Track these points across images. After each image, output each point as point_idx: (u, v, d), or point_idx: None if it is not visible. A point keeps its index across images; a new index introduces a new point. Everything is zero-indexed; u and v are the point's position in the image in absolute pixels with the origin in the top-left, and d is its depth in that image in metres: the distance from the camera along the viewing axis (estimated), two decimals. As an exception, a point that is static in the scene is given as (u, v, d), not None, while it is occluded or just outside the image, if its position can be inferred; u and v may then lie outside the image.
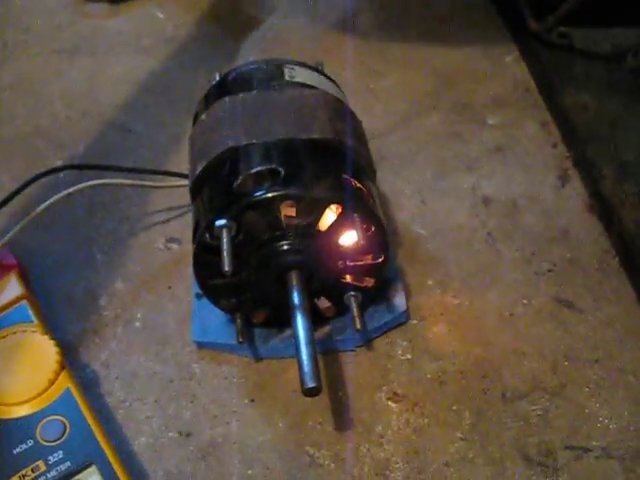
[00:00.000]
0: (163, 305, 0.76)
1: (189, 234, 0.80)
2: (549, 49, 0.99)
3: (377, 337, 0.72)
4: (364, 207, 0.63)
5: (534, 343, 0.72)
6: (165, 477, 0.64)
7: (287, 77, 0.72)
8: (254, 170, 0.62)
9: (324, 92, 0.71)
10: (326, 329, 0.71)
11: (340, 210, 0.62)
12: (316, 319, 0.67)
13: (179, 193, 0.83)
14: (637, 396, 0.68)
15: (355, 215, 0.62)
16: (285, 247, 0.64)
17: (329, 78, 0.76)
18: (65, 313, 0.75)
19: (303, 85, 0.71)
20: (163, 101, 1.00)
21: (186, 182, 0.81)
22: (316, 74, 0.75)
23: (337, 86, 0.76)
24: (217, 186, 0.64)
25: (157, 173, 0.82)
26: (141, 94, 1.00)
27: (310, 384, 0.58)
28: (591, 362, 0.70)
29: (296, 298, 0.63)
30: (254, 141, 0.64)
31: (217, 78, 0.76)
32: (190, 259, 0.76)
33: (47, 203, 0.72)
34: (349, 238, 0.65)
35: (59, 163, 0.89)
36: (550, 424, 0.66)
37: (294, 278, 0.64)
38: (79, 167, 0.78)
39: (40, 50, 1.09)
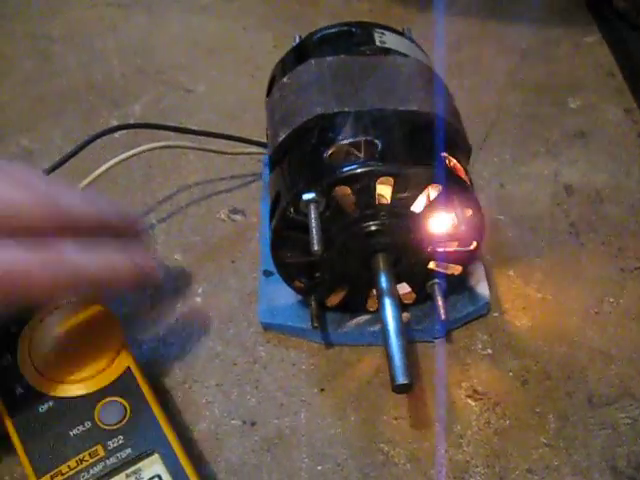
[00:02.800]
0: (226, 280, 0.71)
1: (254, 205, 0.76)
2: (635, 31, 0.93)
3: (456, 329, 0.67)
4: (463, 190, 0.58)
5: (622, 345, 0.67)
6: (227, 468, 0.59)
7: (378, 42, 0.66)
8: (348, 141, 0.57)
9: (418, 61, 0.65)
10: (404, 317, 0.66)
11: (439, 191, 0.57)
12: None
13: (244, 161, 0.78)
14: None
15: (454, 197, 0.57)
16: (374, 228, 0.58)
17: (418, 46, 0.70)
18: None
19: (395, 52, 0.65)
20: (225, 62, 0.94)
21: (254, 149, 0.76)
22: (406, 41, 0.69)
23: (426, 54, 0.71)
24: (304, 156, 0.59)
25: (221, 137, 0.76)
26: (201, 54, 0.95)
27: (402, 380, 0.53)
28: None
29: (384, 283, 0.58)
30: (346, 109, 0.59)
31: (297, 40, 0.71)
32: (255, 233, 0.72)
33: (105, 167, 0.66)
34: (443, 222, 0.59)
35: (114, 122, 0.84)
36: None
37: (382, 262, 0.59)
38: (139, 126, 0.73)
39: (94, 1, 1.03)
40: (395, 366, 0.53)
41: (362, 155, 0.56)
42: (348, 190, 0.56)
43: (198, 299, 0.70)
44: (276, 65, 0.70)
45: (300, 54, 0.68)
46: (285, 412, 0.62)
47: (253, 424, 0.62)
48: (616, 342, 0.67)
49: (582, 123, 0.87)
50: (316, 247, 0.54)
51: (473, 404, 0.63)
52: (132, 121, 0.83)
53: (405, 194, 0.57)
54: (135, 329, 0.67)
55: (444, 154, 0.58)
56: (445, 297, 0.64)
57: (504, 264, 0.73)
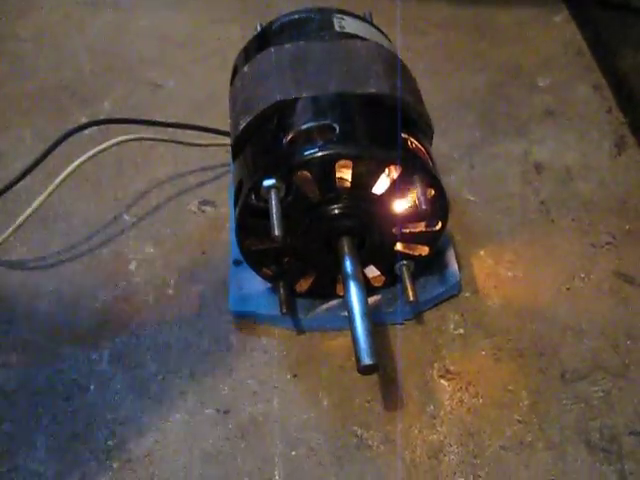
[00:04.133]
0: (197, 272, 0.71)
1: (224, 196, 0.76)
2: (603, 8, 0.93)
3: (427, 310, 0.68)
4: (424, 169, 0.58)
5: (594, 320, 0.67)
6: (203, 457, 0.59)
7: (337, 27, 0.66)
8: (306, 126, 0.57)
9: (377, 44, 0.65)
10: (373, 300, 0.66)
11: (399, 172, 0.57)
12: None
13: (214, 152, 0.78)
14: None
15: (415, 177, 0.57)
16: (337, 211, 0.58)
17: (379, 30, 0.70)
18: (93, 278, 0.70)
19: (355, 36, 0.65)
20: (193, 56, 0.94)
21: (222, 140, 0.76)
22: (367, 25, 0.69)
23: (387, 38, 0.71)
24: (264, 143, 0.59)
25: (191, 128, 0.76)
26: (169, 49, 0.95)
27: (367, 361, 0.53)
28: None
29: (349, 266, 0.58)
30: (304, 94, 0.59)
31: (258, 28, 0.71)
32: (226, 223, 0.72)
33: (76, 163, 0.67)
34: (406, 203, 0.59)
35: (84, 120, 0.84)
36: (613, 407, 0.61)
37: (346, 245, 0.59)
38: (108, 122, 0.72)
39: (61, 1, 1.03)
40: (360, 348, 0.53)
41: (320, 139, 0.56)
42: (308, 175, 0.57)
43: (170, 291, 0.70)
44: (238, 55, 0.71)
45: (261, 42, 0.68)
46: (258, 399, 0.63)
47: (227, 412, 0.62)
48: (587, 317, 0.67)
49: (551, 101, 0.87)
50: (277, 232, 0.54)
51: (446, 384, 0.63)
52: (102, 117, 0.83)
53: (365, 176, 0.57)
54: (109, 322, 0.67)
55: (404, 135, 0.58)
56: (414, 278, 0.65)
57: (475, 244, 0.73)
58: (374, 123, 0.59)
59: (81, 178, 0.76)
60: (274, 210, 0.55)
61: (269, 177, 0.56)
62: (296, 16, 0.69)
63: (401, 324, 0.67)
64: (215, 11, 1.01)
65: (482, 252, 0.72)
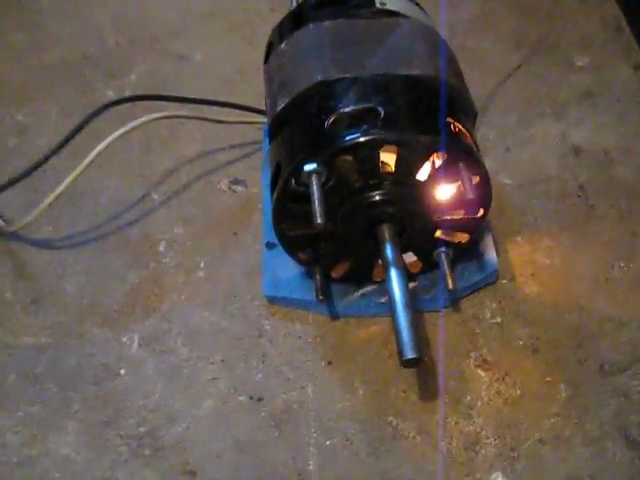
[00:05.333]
0: (228, 253, 0.69)
1: (255, 176, 0.74)
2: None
3: (464, 297, 0.66)
4: (470, 156, 0.56)
5: (633, 311, 0.65)
6: (235, 445, 0.58)
7: (378, 4, 0.64)
8: (349, 109, 0.55)
9: (420, 22, 0.63)
10: (410, 287, 0.64)
11: (444, 159, 0.55)
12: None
13: (244, 130, 0.76)
14: None
15: (461, 164, 0.55)
16: (379, 197, 0.57)
17: (419, 6, 0.68)
18: (122, 258, 0.69)
19: (396, 14, 0.63)
20: (221, 28, 0.92)
21: (253, 117, 0.74)
22: (406, 1, 0.67)
23: (427, 15, 0.68)
24: (305, 125, 0.57)
25: (223, 105, 0.74)
26: (195, 20, 0.92)
27: (410, 354, 0.52)
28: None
29: (390, 254, 0.57)
30: (347, 75, 0.57)
31: (294, 4, 0.68)
32: (258, 204, 0.71)
33: (107, 142, 0.65)
34: (449, 190, 0.58)
35: (110, 94, 0.82)
36: (653, 402, 0.60)
37: (387, 232, 0.58)
38: (137, 99, 0.70)
39: (83, -32, 1.00)
40: (403, 341, 0.52)
41: (364, 123, 0.54)
42: (351, 159, 0.55)
43: (201, 273, 0.68)
44: (273, 31, 0.68)
45: (297, 19, 0.65)
46: (292, 386, 0.61)
47: (260, 399, 0.61)
48: (627, 308, 0.65)
49: (589, 82, 0.85)
50: (319, 220, 0.52)
51: (483, 374, 0.62)
52: (128, 92, 0.81)
53: (409, 162, 0.55)
54: (137, 305, 0.66)
55: (449, 119, 0.56)
56: (452, 265, 0.63)
57: (512, 230, 0.71)
58: (419, 107, 0.57)
59: (108, 155, 0.73)
60: (316, 197, 0.53)
61: (310, 161, 0.54)
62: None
63: (437, 311, 0.65)
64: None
65: (519, 238, 0.70)
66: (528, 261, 0.69)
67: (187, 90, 0.81)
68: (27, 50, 0.90)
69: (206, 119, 0.73)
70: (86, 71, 0.86)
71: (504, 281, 0.67)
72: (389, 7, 0.64)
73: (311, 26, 0.62)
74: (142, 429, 0.59)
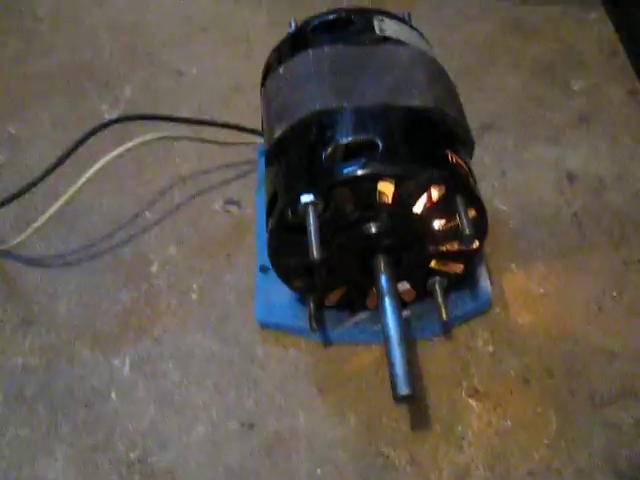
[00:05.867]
0: (222, 276, 0.69)
1: (250, 196, 0.74)
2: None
3: (457, 325, 0.66)
4: (467, 189, 0.56)
5: (625, 342, 0.65)
6: (226, 473, 0.58)
7: (377, 31, 0.63)
8: (348, 140, 0.55)
9: (419, 50, 0.63)
10: (403, 315, 0.64)
11: (442, 192, 0.55)
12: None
13: (239, 149, 0.75)
14: None
15: (458, 198, 0.55)
16: (375, 229, 0.57)
17: (418, 32, 0.68)
18: (114, 278, 0.68)
19: (395, 40, 0.63)
20: (218, 42, 0.91)
21: (249, 138, 0.74)
22: (406, 27, 0.66)
23: (427, 41, 0.68)
24: (302, 155, 0.57)
25: (218, 126, 0.73)
26: (192, 32, 0.91)
27: (404, 391, 0.51)
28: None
29: (385, 286, 0.57)
30: (345, 105, 0.57)
31: (293, 26, 0.68)
32: (252, 225, 0.70)
33: (102, 162, 0.64)
34: (446, 221, 0.58)
35: (103, 106, 0.81)
36: (642, 436, 0.60)
37: (383, 263, 0.58)
38: (134, 118, 0.69)
39: (80, -26, 0.99)
40: (397, 377, 0.52)
41: (363, 156, 0.54)
42: (348, 192, 0.54)
43: (194, 296, 0.68)
44: (271, 53, 0.68)
45: (296, 42, 0.65)
46: (284, 414, 0.61)
47: (251, 426, 0.61)
48: (619, 339, 0.66)
49: (585, 106, 0.85)
50: (315, 254, 0.52)
51: (474, 404, 0.62)
52: (122, 105, 0.80)
53: (407, 195, 0.55)
54: (129, 326, 0.66)
55: (447, 152, 0.56)
56: (446, 295, 0.63)
57: (506, 256, 0.71)
58: (418, 140, 0.56)
59: (101, 173, 0.72)
60: (312, 229, 0.53)
61: (307, 192, 0.54)
62: (334, 15, 0.66)
63: (430, 340, 0.65)
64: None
65: (513, 265, 0.70)
66: (521, 290, 0.69)
67: (182, 105, 0.81)
68: (22, 57, 0.89)
69: (202, 139, 0.72)
70: (81, 81, 0.85)
71: (497, 310, 0.67)
72: (389, 34, 0.63)
73: (310, 51, 0.61)
74: (132, 455, 0.59)
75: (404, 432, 0.60)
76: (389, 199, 0.55)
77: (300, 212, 0.54)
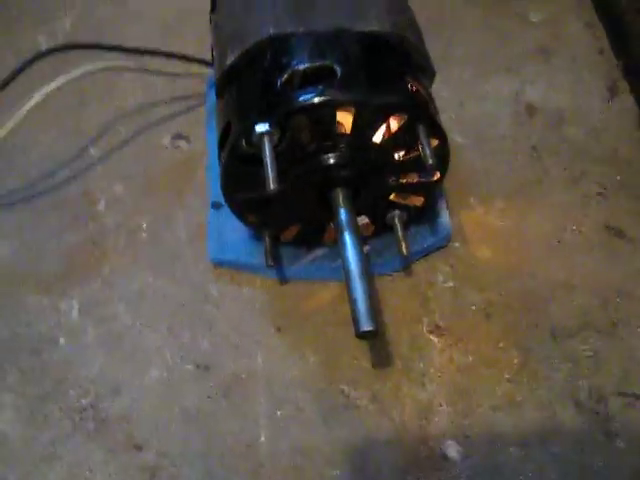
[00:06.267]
0: (172, 214, 0.66)
1: (199, 130, 0.71)
2: None
3: (416, 260, 0.65)
4: (429, 118, 0.54)
5: (584, 275, 0.65)
6: (182, 416, 0.56)
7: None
8: (304, 66, 0.52)
9: (378, -26, 0.59)
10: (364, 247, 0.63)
11: (403, 121, 0.53)
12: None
13: (186, 81, 0.72)
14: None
15: (420, 127, 0.53)
16: (333, 160, 0.54)
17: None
18: (58, 218, 0.65)
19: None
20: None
21: (197, 68, 0.70)
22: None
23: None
24: (256, 82, 0.53)
25: (164, 55, 0.69)
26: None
27: (366, 327, 0.50)
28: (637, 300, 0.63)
29: (344, 219, 0.54)
30: (301, 29, 0.53)
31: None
32: (202, 160, 0.67)
33: (40, 94, 0.60)
34: (406, 153, 0.55)
35: (40, 39, 0.76)
36: (601, 367, 0.60)
37: (341, 196, 0.55)
38: (72, 47, 0.65)
39: None
40: (359, 312, 0.50)
41: (320, 83, 0.51)
42: (305, 120, 0.52)
43: (143, 234, 0.65)
44: (221, -25, 0.64)
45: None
46: (241, 354, 0.59)
47: (207, 368, 0.59)
48: (578, 272, 0.65)
49: (543, 38, 0.83)
50: (272, 186, 0.50)
51: (435, 340, 0.61)
52: (60, 38, 0.75)
53: (366, 124, 0.53)
54: (76, 267, 0.63)
55: (407, 79, 0.54)
56: (406, 229, 0.61)
57: (465, 190, 0.69)
58: (377, 66, 0.54)
59: (40, 107, 0.68)
60: (268, 160, 0.50)
61: (262, 122, 0.51)
62: None
63: (389, 275, 0.64)
64: None
65: (472, 199, 0.69)
66: (481, 223, 0.68)
67: (125, 36, 0.76)
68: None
69: (146, 70, 0.68)
70: (15, 13, 0.80)
71: (456, 244, 0.66)
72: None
73: (263, -27, 0.58)
74: (84, 401, 0.57)
75: (365, 370, 0.59)
76: (347, 129, 0.53)
77: (255, 142, 0.51)
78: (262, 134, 0.51)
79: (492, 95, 0.77)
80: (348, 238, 0.54)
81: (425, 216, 0.64)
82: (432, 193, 0.61)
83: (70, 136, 0.70)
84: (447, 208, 0.66)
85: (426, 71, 0.58)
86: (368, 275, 0.53)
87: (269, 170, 0.50)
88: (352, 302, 0.51)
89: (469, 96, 0.77)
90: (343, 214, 0.55)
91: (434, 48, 0.78)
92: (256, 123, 0.51)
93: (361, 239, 0.55)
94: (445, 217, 0.65)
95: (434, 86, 0.73)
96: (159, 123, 0.72)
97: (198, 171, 0.68)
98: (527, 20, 0.85)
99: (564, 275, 0.65)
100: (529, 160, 0.72)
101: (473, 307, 0.63)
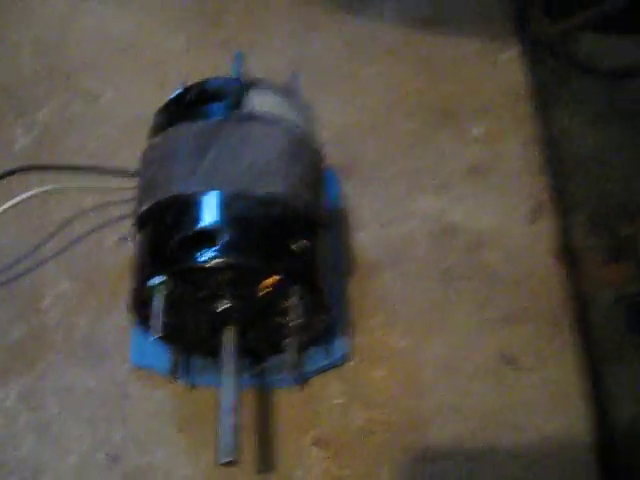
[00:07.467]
0: (106, 314, 0.75)
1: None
2: (552, 56, 0.92)
3: (313, 376, 0.72)
4: (307, 277, 0.62)
5: (469, 400, 0.71)
6: (89, 503, 0.66)
7: (248, 105, 0.67)
8: (199, 227, 0.60)
9: (285, 130, 0.66)
10: (260, 367, 0.71)
11: (279, 279, 0.61)
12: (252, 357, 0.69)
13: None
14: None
15: (295, 286, 0.61)
16: (221, 308, 0.63)
17: (296, 101, 0.71)
18: (7, 311, 0.75)
19: (264, 120, 0.66)
20: (132, 66, 0.93)
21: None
22: (284, 99, 0.70)
23: (306, 109, 0.71)
24: (158, 235, 0.62)
25: (109, 174, 0.77)
26: (112, 54, 0.92)
27: (224, 459, 0.58)
28: (515, 428, 0.70)
29: (226, 360, 0.63)
30: (202, 189, 0.62)
31: (180, 89, 0.71)
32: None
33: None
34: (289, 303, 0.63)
35: (19, 131, 0.86)
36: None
37: (228, 336, 0.64)
38: (26, 169, 0.74)
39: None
40: (221, 444, 0.58)
41: (208, 245, 0.59)
42: (195, 276, 0.60)
43: (78, 333, 0.74)
44: (159, 110, 0.71)
45: (175, 110, 0.69)
46: (146, 449, 0.69)
47: (116, 458, 0.68)
48: (465, 397, 0.71)
49: (481, 155, 0.86)
50: (156, 334, 0.59)
51: (316, 451, 0.69)
52: (36, 131, 0.85)
53: (248, 281, 0.61)
54: (17, 360, 0.72)
55: (292, 242, 0.61)
56: (301, 353, 0.69)
57: (371, 310, 0.76)
58: (264, 228, 0.61)
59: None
60: (155, 311, 0.59)
61: (156, 276, 0.60)
62: (213, 84, 0.69)
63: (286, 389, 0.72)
64: (164, 13, 0.98)
65: (377, 319, 0.76)
66: (380, 343, 0.74)
67: (92, 134, 0.85)
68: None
69: (96, 188, 0.77)
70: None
71: (352, 363, 0.73)
72: (258, 108, 0.66)
73: (183, 127, 0.65)
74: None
75: (250, 475, 0.67)
76: (233, 284, 0.61)
77: (148, 294, 0.60)
78: (153, 287, 0.60)
79: (418, 214, 0.82)
80: (225, 377, 0.62)
81: (322, 338, 0.72)
82: (320, 330, 0.68)
83: (26, 233, 0.79)
84: (346, 329, 0.73)
85: (318, 225, 0.65)
86: (238, 411, 0.61)
87: (155, 319, 0.59)
88: (217, 434, 0.59)
89: (395, 215, 0.82)
90: (225, 354, 0.63)
91: (370, 158, 0.85)
92: (150, 278, 0.60)
93: (239, 377, 0.63)
94: (342, 339, 0.72)
95: (362, 201, 0.80)
96: (110, 224, 0.80)
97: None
98: (469, 134, 0.88)
99: (452, 398, 0.71)
100: (439, 284, 0.78)
101: (357, 423, 0.70)
